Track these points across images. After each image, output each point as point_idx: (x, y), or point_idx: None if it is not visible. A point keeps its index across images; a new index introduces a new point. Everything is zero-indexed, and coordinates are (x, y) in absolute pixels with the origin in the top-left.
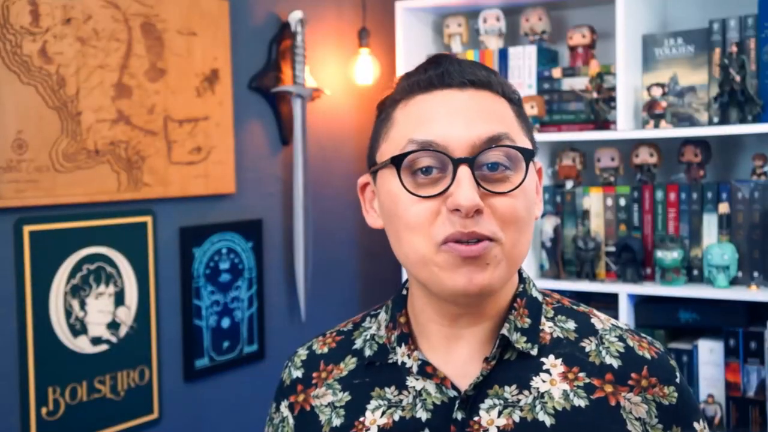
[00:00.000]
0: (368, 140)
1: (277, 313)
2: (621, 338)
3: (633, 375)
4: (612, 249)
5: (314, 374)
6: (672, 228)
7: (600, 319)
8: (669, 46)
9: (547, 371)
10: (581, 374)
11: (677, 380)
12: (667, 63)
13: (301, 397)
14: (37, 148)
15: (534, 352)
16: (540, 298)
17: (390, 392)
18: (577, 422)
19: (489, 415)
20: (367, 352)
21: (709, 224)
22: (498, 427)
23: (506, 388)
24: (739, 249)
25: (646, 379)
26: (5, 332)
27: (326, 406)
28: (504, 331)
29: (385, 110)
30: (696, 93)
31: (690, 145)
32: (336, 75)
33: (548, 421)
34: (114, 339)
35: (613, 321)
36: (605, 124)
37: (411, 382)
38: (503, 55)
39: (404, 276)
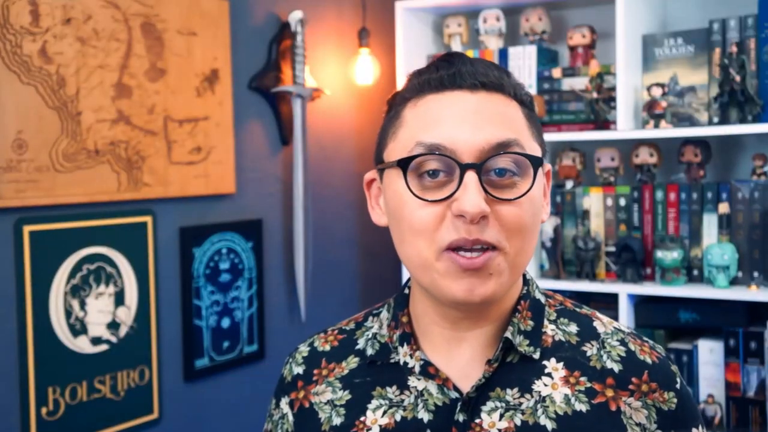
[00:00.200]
0: (369, 140)
1: (277, 313)
2: (623, 342)
3: (633, 380)
4: (612, 249)
5: (315, 371)
6: (672, 228)
7: (602, 322)
8: (669, 46)
9: (549, 375)
10: (582, 378)
11: (677, 386)
12: (667, 63)
13: (301, 394)
14: (37, 148)
15: (536, 355)
16: (543, 300)
17: (391, 392)
18: (578, 427)
19: (490, 418)
20: (369, 351)
21: (709, 224)
22: (499, 430)
23: (508, 390)
24: (739, 249)
25: (647, 384)
26: (5, 332)
27: (325, 403)
28: (508, 334)
29: (394, 107)
30: (696, 93)
31: (690, 145)
32: (336, 75)
33: (549, 425)
34: (114, 339)
35: (615, 324)
36: (605, 124)
37: (413, 382)
38: (503, 55)
39: (404, 275)
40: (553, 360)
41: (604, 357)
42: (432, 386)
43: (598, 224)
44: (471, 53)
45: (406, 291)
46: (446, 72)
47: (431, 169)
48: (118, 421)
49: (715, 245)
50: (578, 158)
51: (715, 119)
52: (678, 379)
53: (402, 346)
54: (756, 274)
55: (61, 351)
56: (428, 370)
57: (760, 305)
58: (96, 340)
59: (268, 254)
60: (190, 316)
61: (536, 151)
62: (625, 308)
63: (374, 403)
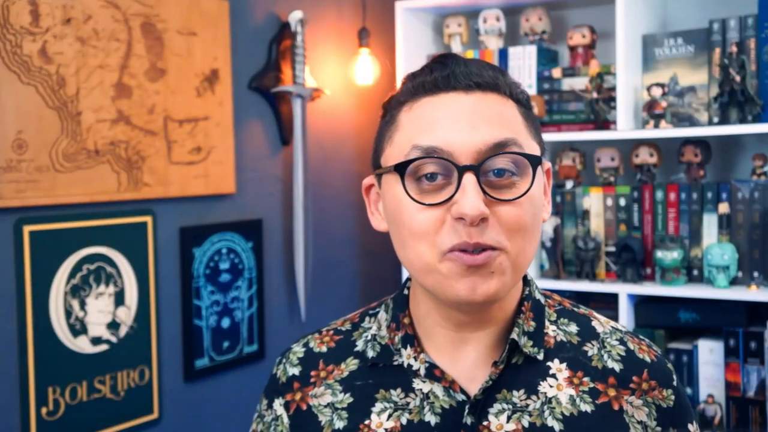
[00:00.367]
0: (369, 140)
1: (277, 313)
2: (621, 341)
3: (634, 378)
4: (612, 249)
5: (312, 373)
6: (672, 228)
7: (600, 322)
8: (669, 46)
9: (554, 376)
10: (585, 379)
11: (674, 383)
12: (667, 63)
13: (297, 396)
14: (37, 148)
15: (540, 356)
16: (542, 300)
17: (396, 394)
18: (584, 427)
19: (498, 420)
20: (370, 354)
21: (709, 224)
22: None
23: (514, 392)
24: (739, 249)
25: (647, 382)
26: (5, 332)
27: (325, 406)
28: (514, 336)
29: (390, 112)
30: (696, 93)
31: (690, 145)
32: (336, 75)
33: (557, 426)
34: (114, 339)
35: (612, 323)
36: (605, 124)
37: (418, 384)
38: (503, 55)
39: (404, 275)
40: (556, 361)
41: (605, 356)
42: (438, 389)
43: (598, 224)
44: (471, 53)
45: (406, 291)
46: (440, 74)
47: (429, 173)
48: (118, 421)
49: (715, 245)
50: (578, 158)
51: (715, 119)
52: (674, 377)
53: (405, 348)
54: (756, 274)
55: (61, 351)
56: (434, 373)
57: (760, 305)
58: (96, 340)
59: (268, 254)
60: (190, 316)
61: (534, 149)
62: (625, 308)
63: (378, 406)
